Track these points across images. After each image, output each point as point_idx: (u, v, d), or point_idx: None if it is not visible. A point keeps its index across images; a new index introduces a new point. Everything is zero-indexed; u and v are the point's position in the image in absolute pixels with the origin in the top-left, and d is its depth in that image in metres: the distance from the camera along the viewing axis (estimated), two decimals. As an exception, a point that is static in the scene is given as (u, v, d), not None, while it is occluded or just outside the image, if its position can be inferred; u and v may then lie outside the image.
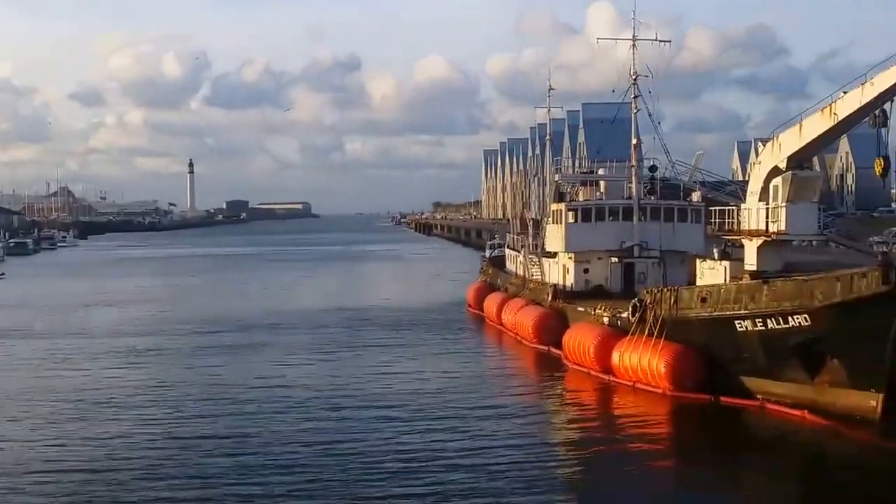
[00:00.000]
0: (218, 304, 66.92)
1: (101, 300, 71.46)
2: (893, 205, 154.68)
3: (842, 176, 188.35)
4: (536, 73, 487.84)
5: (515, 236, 63.67)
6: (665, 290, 34.13)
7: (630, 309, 35.14)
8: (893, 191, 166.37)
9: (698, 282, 37.03)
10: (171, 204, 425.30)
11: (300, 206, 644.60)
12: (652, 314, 33.55)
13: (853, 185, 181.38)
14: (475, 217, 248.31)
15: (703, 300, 32.03)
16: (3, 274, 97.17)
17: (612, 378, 35.07)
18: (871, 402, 27.52)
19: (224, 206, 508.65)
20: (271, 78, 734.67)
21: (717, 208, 38.90)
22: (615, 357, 34.78)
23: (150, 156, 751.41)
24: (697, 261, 39.46)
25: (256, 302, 67.92)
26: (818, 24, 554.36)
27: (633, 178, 46.33)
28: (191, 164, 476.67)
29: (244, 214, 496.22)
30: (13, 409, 31.32)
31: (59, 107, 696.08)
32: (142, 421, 29.48)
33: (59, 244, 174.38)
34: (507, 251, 65.73)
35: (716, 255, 36.85)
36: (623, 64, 45.90)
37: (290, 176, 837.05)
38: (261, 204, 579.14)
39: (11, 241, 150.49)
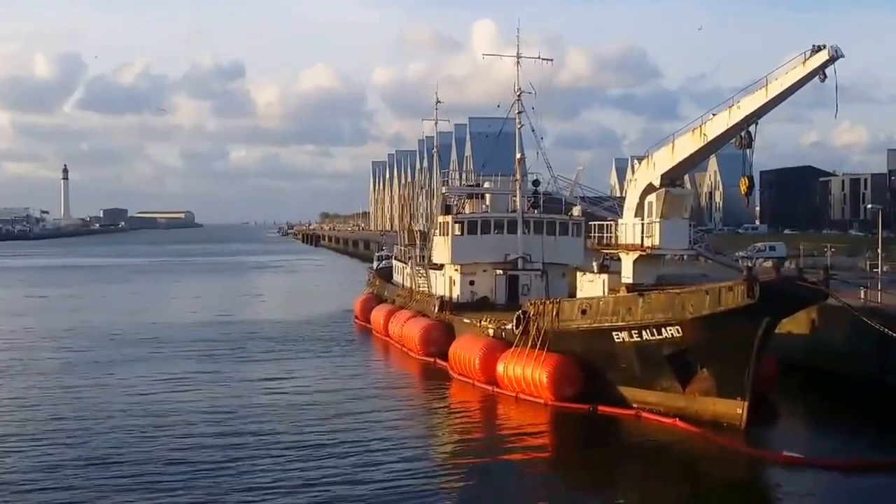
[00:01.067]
0: (93, 317, 64.08)
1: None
2: (757, 222, 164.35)
3: (710, 193, 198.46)
4: (422, 85, 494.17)
5: (403, 248, 63.83)
6: (548, 302, 34.96)
7: (514, 321, 35.82)
8: (757, 209, 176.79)
9: (578, 294, 38.09)
10: (43, 211, 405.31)
11: (183, 216, 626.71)
12: (535, 326, 34.30)
13: (721, 203, 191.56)
14: (363, 228, 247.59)
15: (584, 312, 32.98)
16: None
17: (496, 389, 35.60)
18: (737, 410, 28.98)
19: (101, 215, 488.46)
20: (151, 82, 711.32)
21: (597, 223, 40.14)
22: (500, 368, 35.35)
23: (19, 160, 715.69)
24: (578, 273, 40.60)
25: (135, 316, 65.40)
26: (687, 49, 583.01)
27: (518, 191, 47.38)
28: (65, 170, 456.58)
29: (123, 223, 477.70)
30: None
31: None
32: (6, 443, 27.79)
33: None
34: (395, 263, 65.83)
35: (595, 269, 38.01)
36: (507, 80, 47.09)
37: (172, 184, 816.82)
38: (141, 212, 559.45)
39: None
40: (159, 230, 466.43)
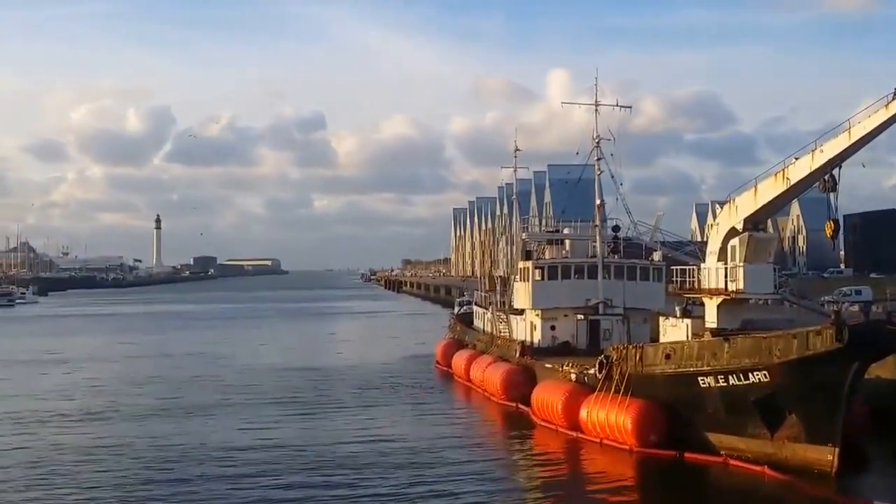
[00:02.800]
0: (180, 363, 66.16)
1: (58, 359, 69.52)
2: (842, 265, 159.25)
3: (793, 238, 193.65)
4: (498, 133, 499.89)
5: (484, 293, 64.43)
6: (630, 346, 34.92)
7: (597, 365, 35.87)
8: (842, 252, 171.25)
9: (661, 339, 37.90)
10: (136, 260, 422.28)
11: (269, 263, 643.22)
12: (618, 371, 34.29)
13: (804, 247, 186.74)
14: (444, 274, 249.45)
15: (668, 357, 32.84)
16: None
17: (579, 434, 35.56)
18: (828, 456, 28.38)
19: (191, 262, 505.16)
20: (236, 133, 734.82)
21: (678, 267, 40.03)
22: (583, 413, 35.36)
23: (112, 211, 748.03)
24: (660, 318, 40.40)
25: (223, 361, 67.35)
26: (761, 92, 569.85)
27: (598, 237, 47.63)
28: (158, 220, 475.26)
29: (212, 270, 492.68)
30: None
31: (16, 161, 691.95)
32: (95, 488, 28.52)
33: (17, 301, 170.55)
34: (476, 308, 66.39)
35: (677, 313, 37.84)
36: (585, 127, 47.73)
37: (258, 232, 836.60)
38: (229, 260, 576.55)
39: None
40: (247, 277, 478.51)
